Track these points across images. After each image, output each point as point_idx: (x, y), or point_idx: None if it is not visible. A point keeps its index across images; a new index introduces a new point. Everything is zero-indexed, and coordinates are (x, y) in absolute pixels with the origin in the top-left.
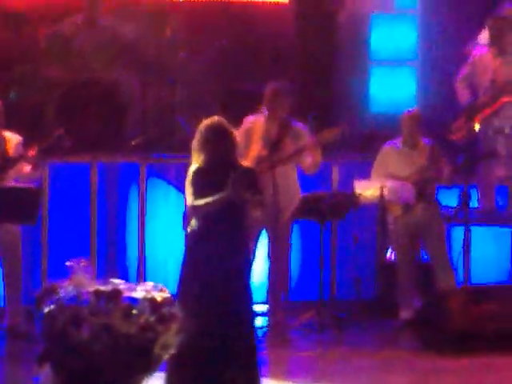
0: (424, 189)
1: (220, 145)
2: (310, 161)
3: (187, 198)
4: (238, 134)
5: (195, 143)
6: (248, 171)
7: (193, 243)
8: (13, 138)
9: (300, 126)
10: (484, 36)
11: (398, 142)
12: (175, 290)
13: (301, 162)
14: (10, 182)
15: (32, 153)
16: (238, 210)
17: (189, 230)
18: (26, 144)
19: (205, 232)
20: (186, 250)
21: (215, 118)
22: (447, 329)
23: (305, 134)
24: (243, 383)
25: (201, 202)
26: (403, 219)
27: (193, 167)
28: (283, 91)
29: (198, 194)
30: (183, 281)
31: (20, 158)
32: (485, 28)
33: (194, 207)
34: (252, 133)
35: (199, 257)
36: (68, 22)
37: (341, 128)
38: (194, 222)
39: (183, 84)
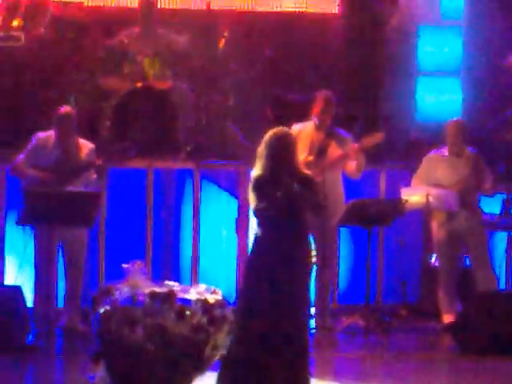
0: (467, 197)
1: (283, 155)
2: (355, 166)
3: (251, 203)
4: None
5: (261, 151)
6: (307, 177)
7: (257, 248)
8: (86, 146)
9: (344, 134)
10: None
11: (445, 150)
12: (228, 292)
13: (345, 168)
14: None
15: (99, 162)
16: (296, 214)
17: (253, 235)
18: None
19: (267, 237)
20: (250, 255)
21: (281, 129)
22: (486, 332)
23: (348, 141)
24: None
25: (261, 205)
26: (447, 226)
27: (255, 173)
28: (332, 100)
29: (260, 199)
30: (247, 282)
31: (90, 165)
32: None
33: (257, 211)
34: (298, 140)
35: (263, 261)
36: (125, 32)
37: (383, 133)
38: (257, 228)
39: (234, 93)
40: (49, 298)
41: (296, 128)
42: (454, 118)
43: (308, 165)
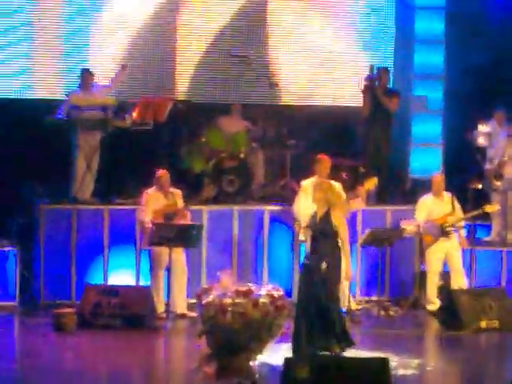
0: (446, 227)
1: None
2: (360, 200)
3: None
4: (302, 189)
5: (314, 195)
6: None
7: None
8: (177, 193)
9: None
10: None
11: (430, 195)
12: (287, 289)
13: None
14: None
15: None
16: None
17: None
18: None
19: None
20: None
21: (324, 180)
22: (460, 317)
23: (340, 187)
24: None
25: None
26: (433, 246)
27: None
28: (328, 160)
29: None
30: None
31: (183, 208)
32: None
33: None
34: (309, 188)
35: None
36: (222, 119)
37: (377, 178)
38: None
39: (291, 157)
40: (159, 294)
41: (308, 182)
42: (436, 173)
43: None
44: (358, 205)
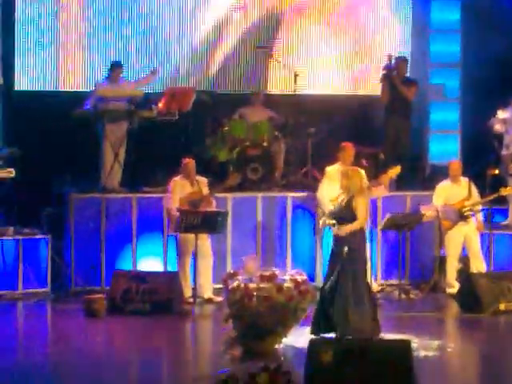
0: (464, 212)
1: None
2: (383, 187)
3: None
4: (327, 175)
5: (342, 182)
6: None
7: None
8: (203, 180)
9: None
10: None
11: (448, 180)
12: (310, 273)
13: (376, 191)
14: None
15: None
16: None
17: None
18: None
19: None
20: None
21: (351, 167)
22: (478, 299)
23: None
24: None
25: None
26: (452, 230)
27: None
28: (352, 148)
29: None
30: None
31: (208, 196)
32: None
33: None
34: (333, 175)
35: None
36: (243, 109)
37: (400, 166)
38: (334, 230)
39: (312, 145)
40: (186, 279)
41: (334, 168)
42: (453, 160)
43: None
44: (380, 192)
